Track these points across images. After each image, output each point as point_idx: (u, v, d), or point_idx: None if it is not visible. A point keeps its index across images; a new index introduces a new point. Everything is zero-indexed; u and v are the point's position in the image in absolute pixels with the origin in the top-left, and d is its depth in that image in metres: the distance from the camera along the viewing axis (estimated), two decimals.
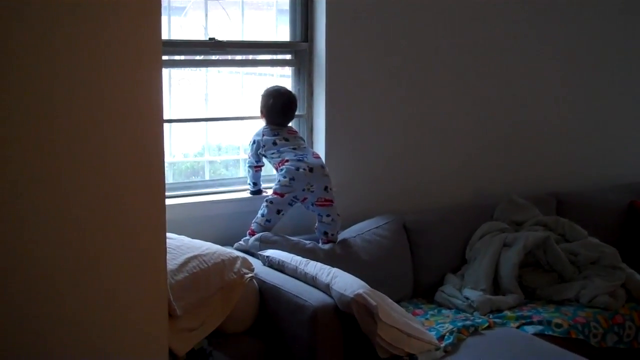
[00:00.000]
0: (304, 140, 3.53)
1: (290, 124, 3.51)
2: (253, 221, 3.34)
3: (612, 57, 4.62)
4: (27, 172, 1.67)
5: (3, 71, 1.61)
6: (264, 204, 3.34)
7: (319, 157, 3.42)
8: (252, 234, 3.31)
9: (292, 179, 3.31)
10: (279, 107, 3.40)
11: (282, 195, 3.32)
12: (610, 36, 4.58)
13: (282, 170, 3.34)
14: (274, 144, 3.38)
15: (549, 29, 4.32)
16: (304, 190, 3.32)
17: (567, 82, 4.46)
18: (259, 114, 3.47)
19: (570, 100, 4.50)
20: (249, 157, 3.47)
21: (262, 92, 3.45)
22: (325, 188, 3.35)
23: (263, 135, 3.42)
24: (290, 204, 3.36)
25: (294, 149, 3.37)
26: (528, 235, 3.62)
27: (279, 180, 3.34)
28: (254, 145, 3.44)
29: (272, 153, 3.39)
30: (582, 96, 4.54)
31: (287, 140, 3.40)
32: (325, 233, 3.39)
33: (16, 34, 1.61)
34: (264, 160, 3.48)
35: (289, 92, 3.47)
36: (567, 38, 4.40)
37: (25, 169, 1.66)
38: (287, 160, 3.34)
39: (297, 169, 3.30)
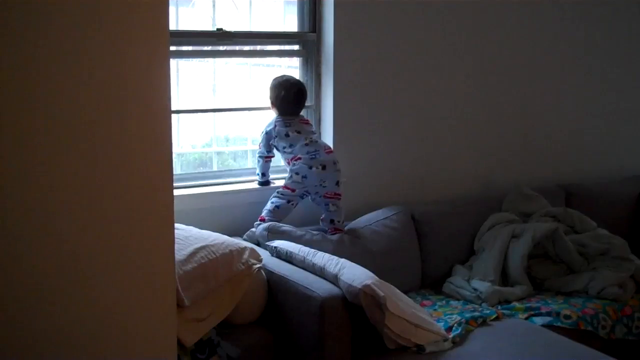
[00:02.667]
0: (316, 131, 3.53)
1: (302, 113, 3.51)
2: (264, 209, 3.37)
3: (622, 51, 4.58)
4: (34, 163, 1.66)
5: (6, 63, 1.61)
6: (275, 194, 3.38)
7: (331, 152, 3.41)
8: (263, 220, 3.34)
9: (304, 176, 3.34)
10: (290, 98, 3.40)
11: (293, 190, 3.35)
12: (620, 30, 4.55)
13: (294, 166, 3.35)
14: (287, 135, 3.38)
15: (559, 24, 4.30)
16: (316, 185, 3.35)
17: (577, 75, 4.44)
18: (269, 105, 3.47)
19: (580, 93, 4.47)
20: (260, 147, 3.47)
21: (271, 83, 3.45)
22: (337, 183, 3.38)
23: (275, 126, 3.41)
24: (302, 197, 3.39)
25: (306, 144, 3.37)
26: (537, 227, 3.61)
27: (291, 176, 3.36)
28: (266, 136, 3.44)
29: (284, 147, 3.39)
30: (591, 89, 4.51)
31: (299, 132, 3.39)
32: (332, 221, 3.40)
33: (19, 25, 1.61)
34: (275, 151, 3.49)
35: (298, 81, 3.47)
36: (578, 32, 4.38)
37: (31, 160, 1.66)
38: (299, 158, 3.35)
39: (310, 167, 3.33)
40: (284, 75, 3.48)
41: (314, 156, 3.35)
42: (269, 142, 3.44)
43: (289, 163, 3.41)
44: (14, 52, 1.61)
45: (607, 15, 4.48)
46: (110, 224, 1.77)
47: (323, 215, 3.43)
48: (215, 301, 2.70)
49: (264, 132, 3.45)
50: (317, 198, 3.40)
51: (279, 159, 3.56)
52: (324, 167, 3.34)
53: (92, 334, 1.80)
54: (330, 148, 3.45)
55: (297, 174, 3.35)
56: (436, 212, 3.71)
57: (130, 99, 1.77)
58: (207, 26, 3.48)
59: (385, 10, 3.68)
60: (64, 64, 1.67)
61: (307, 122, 3.48)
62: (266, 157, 3.49)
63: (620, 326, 3.30)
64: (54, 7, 1.64)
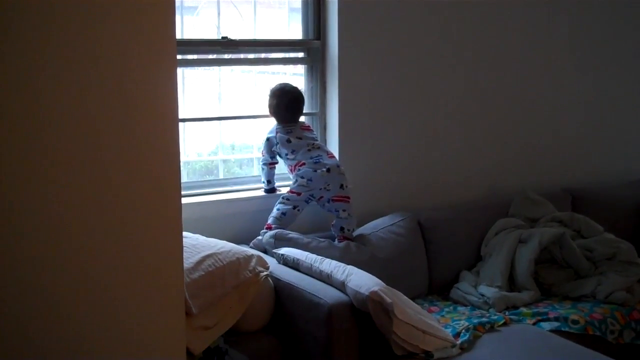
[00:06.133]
0: (317, 138, 3.53)
1: (302, 119, 3.52)
2: (269, 216, 3.37)
3: (626, 54, 4.58)
4: (39, 172, 1.67)
5: (13, 70, 1.62)
6: (280, 200, 3.38)
7: (333, 157, 3.44)
8: (269, 227, 3.33)
9: (309, 179, 3.34)
10: (283, 105, 3.42)
11: (298, 194, 3.36)
12: (624, 33, 4.55)
13: (299, 171, 3.36)
14: (288, 141, 3.39)
15: (562, 28, 4.30)
16: (321, 189, 3.35)
17: (581, 80, 4.43)
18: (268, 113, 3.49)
19: (585, 97, 4.47)
20: (263, 155, 3.48)
21: (268, 91, 3.47)
22: (341, 186, 3.38)
23: (277, 132, 3.43)
24: (307, 202, 3.38)
25: (309, 150, 3.38)
26: (543, 232, 3.61)
27: (296, 181, 3.37)
28: (268, 143, 3.45)
29: (287, 154, 3.40)
30: (596, 93, 4.51)
31: (300, 138, 3.40)
32: (342, 228, 3.40)
33: (26, 32, 1.62)
34: (278, 158, 3.50)
35: (294, 89, 3.47)
36: (581, 36, 4.38)
37: (36, 168, 1.67)
38: (303, 163, 3.36)
39: (315, 170, 3.34)
40: (281, 83, 3.49)
41: (317, 160, 3.36)
42: (272, 149, 3.45)
43: (292, 171, 3.42)
44: (20, 59, 1.62)
45: (615, 18, 4.48)
46: (118, 232, 1.78)
47: (334, 222, 3.43)
48: (223, 309, 2.70)
49: (265, 139, 3.46)
50: (326, 204, 3.40)
51: (283, 166, 3.56)
52: (328, 170, 3.35)
53: (101, 342, 1.80)
54: (332, 153, 3.46)
55: (302, 177, 3.35)
56: (443, 218, 3.70)
57: (138, 107, 1.78)
58: (212, 34, 3.49)
59: (389, 16, 3.69)
60: (72, 73, 1.68)
61: (308, 129, 3.49)
62: (270, 164, 3.50)
63: (628, 331, 3.28)
64: (63, 16, 1.65)
